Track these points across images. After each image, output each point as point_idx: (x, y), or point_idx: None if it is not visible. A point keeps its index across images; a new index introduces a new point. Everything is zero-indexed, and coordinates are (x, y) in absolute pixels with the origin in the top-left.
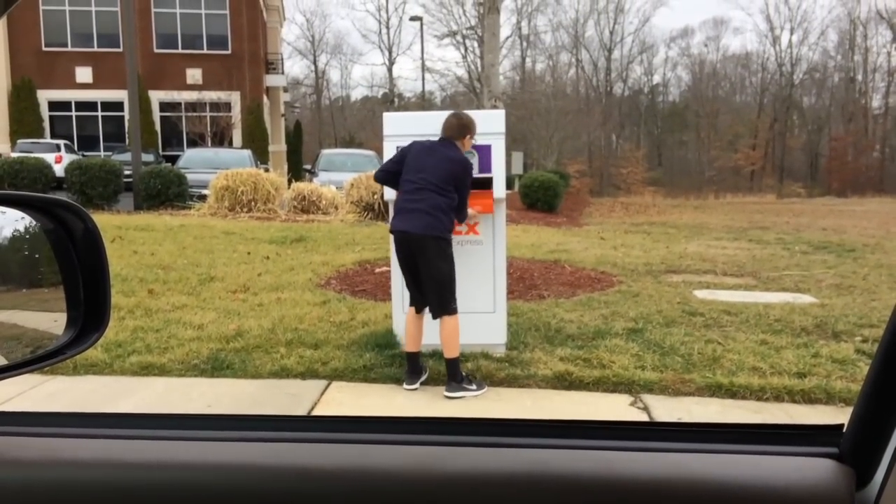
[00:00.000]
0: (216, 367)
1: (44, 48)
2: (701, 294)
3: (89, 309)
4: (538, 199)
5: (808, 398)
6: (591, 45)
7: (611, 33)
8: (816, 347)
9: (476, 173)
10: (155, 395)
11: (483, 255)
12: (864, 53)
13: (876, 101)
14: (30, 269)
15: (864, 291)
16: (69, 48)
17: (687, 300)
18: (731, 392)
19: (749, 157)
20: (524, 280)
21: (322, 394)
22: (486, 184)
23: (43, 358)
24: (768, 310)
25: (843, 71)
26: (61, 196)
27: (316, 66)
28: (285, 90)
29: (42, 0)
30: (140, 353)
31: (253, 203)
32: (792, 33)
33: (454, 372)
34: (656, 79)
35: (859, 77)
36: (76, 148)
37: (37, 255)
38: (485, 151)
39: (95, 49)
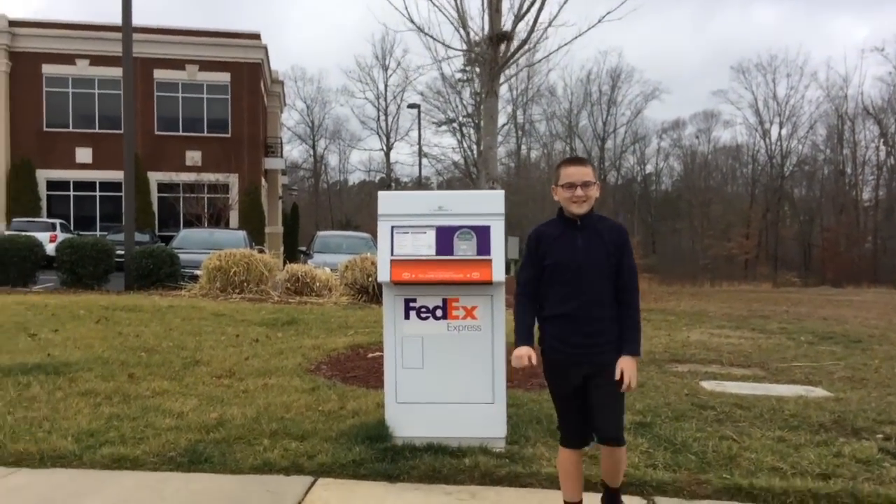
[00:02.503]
0: (194, 461)
1: (45, 128)
2: (709, 385)
3: None
4: None
5: (834, 503)
6: (585, 134)
7: (604, 124)
8: (837, 446)
9: (474, 255)
10: (124, 492)
11: (481, 342)
12: (853, 148)
13: (866, 194)
14: None
15: (878, 385)
16: (70, 129)
17: (695, 392)
18: (752, 495)
19: (743, 246)
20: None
21: (307, 492)
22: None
23: None
24: (782, 403)
25: (833, 164)
26: (51, 275)
27: (315, 151)
28: (283, 173)
29: (46, 82)
30: (113, 443)
31: (245, 284)
32: (781, 127)
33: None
34: (649, 168)
35: (849, 170)
36: (72, 227)
37: None
38: (483, 233)
39: (97, 130)
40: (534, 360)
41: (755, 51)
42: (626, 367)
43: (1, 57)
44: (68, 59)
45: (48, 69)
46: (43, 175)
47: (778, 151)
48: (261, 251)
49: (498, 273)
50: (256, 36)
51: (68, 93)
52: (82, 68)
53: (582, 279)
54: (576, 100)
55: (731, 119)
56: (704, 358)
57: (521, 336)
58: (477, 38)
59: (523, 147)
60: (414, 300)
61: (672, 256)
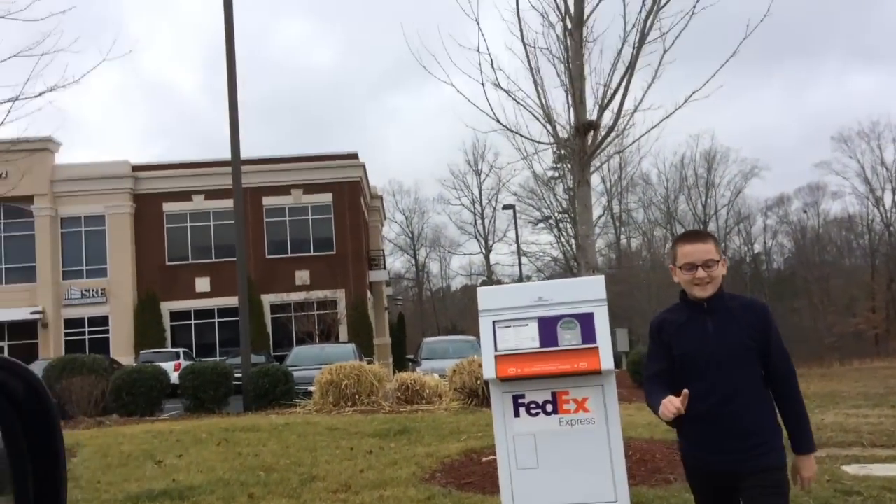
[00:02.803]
0: None
1: (167, 263)
2: (852, 469)
3: None
4: None
5: None
6: (685, 218)
7: (704, 207)
8: None
9: (579, 344)
10: None
11: (596, 436)
12: None
13: None
14: None
15: None
16: (189, 261)
17: (838, 477)
18: None
19: (870, 321)
20: (646, 463)
21: None
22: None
23: None
24: None
25: None
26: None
27: (416, 260)
28: (388, 284)
29: (166, 219)
30: None
31: (357, 396)
32: (894, 193)
33: None
34: (757, 248)
35: None
36: (194, 354)
37: None
38: (587, 320)
39: (213, 260)
40: (681, 406)
41: (855, 118)
42: (803, 467)
43: (127, 200)
44: (185, 196)
45: (168, 207)
46: (166, 307)
47: (894, 218)
48: (369, 362)
49: (606, 361)
50: (354, 156)
51: (186, 227)
52: (198, 203)
53: (718, 371)
54: (672, 185)
55: (839, 190)
56: (843, 440)
57: (657, 399)
58: (564, 132)
59: (622, 237)
60: (522, 396)
61: (794, 337)
